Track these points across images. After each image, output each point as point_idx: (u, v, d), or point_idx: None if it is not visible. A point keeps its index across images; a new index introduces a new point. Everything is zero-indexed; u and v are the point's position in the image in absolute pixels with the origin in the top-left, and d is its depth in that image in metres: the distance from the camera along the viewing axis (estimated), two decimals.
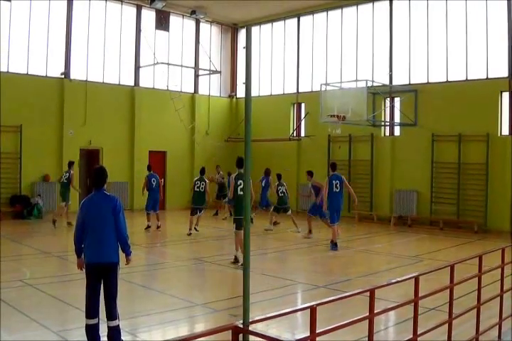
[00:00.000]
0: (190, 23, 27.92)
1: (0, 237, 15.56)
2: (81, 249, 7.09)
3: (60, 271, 12.60)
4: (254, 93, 26.15)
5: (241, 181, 12.97)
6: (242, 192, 12.90)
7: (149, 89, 26.16)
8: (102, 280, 6.85)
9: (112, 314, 6.79)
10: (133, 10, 25.61)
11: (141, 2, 25.26)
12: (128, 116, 25.26)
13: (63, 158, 22.80)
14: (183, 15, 27.24)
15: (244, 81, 4.40)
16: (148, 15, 26.14)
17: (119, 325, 6.82)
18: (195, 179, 18.70)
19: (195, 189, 18.21)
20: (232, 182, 13.19)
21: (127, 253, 7.14)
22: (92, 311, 6.74)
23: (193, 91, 28.06)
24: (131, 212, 23.93)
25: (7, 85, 20.77)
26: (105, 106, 24.31)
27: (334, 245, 15.63)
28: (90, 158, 24.35)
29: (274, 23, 27.98)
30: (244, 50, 4.87)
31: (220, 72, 28.39)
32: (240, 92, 29.59)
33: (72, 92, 23.24)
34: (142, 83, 26.03)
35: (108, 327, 6.80)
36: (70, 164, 19.32)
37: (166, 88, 26.30)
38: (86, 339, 6.73)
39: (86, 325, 6.73)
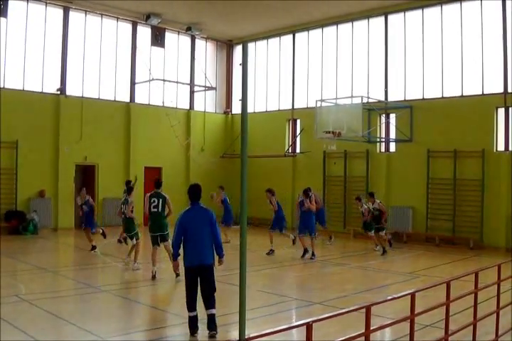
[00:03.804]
0: (186, 40, 28.05)
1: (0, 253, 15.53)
2: (177, 254, 8.59)
3: (56, 287, 12.54)
4: (249, 109, 26.06)
5: (155, 199, 13.35)
6: (155, 210, 13.33)
7: (145, 106, 26.22)
8: (199, 279, 8.38)
9: (211, 304, 8.35)
10: (128, 26, 25.72)
11: (137, 18, 25.37)
12: (123, 132, 25.27)
13: (59, 173, 22.90)
14: (178, 32, 27.38)
15: (241, 97, 4.43)
16: (144, 32, 26.26)
17: (215, 313, 8.34)
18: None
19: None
20: (145, 199, 13.53)
21: (222, 255, 8.63)
22: (193, 305, 8.38)
23: (188, 107, 28.13)
24: None
25: (3, 101, 20.82)
26: (101, 122, 24.32)
27: (305, 252, 16.78)
28: (86, 174, 24.35)
29: (270, 40, 28.13)
30: (241, 66, 4.91)
31: (215, 89, 28.47)
32: (235, 108, 29.66)
33: (67, 108, 23.28)
34: (138, 99, 26.09)
35: (208, 314, 8.31)
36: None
37: (161, 104, 26.35)
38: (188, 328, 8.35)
39: (189, 316, 8.35)
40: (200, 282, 8.41)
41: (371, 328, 5.34)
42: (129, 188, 15.51)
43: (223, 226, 19.53)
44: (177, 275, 12.24)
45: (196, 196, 8.69)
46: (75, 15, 23.82)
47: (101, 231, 18.10)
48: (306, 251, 16.81)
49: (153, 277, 12.91)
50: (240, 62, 28.22)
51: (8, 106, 21.20)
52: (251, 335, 4.24)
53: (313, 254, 16.81)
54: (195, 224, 8.41)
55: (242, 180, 4.58)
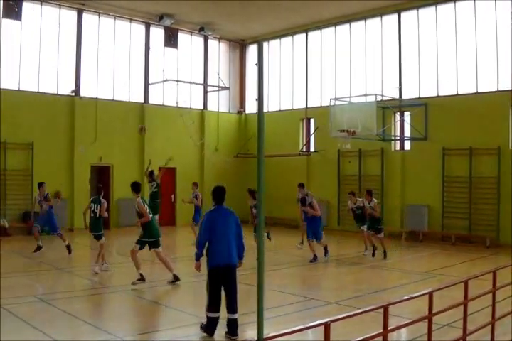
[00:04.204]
0: (199, 40, 28.08)
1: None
2: (201, 254, 8.63)
3: (72, 287, 12.60)
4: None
5: (146, 205, 12.72)
6: (151, 215, 12.68)
7: (158, 106, 26.29)
8: (222, 280, 8.37)
9: (234, 308, 8.37)
10: (142, 27, 25.82)
11: (150, 20, 25.45)
12: (137, 133, 25.31)
13: (74, 174, 23.05)
14: (191, 32, 27.42)
15: (257, 96, 4.42)
16: (157, 33, 26.35)
17: (237, 318, 8.34)
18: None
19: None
20: (141, 204, 12.53)
21: (242, 257, 8.74)
22: (216, 306, 8.36)
23: (202, 107, 28.16)
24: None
25: (18, 103, 21.11)
26: (115, 123, 24.44)
27: (315, 258, 16.15)
28: (101, 174, 24.45)
29: (282, 39, 28.10)
30: (255, 66, 4.89)
31: (228, 89, 28.46)
32: (249, 108, 29.66)
33: (82, 110, 23.42)
34: (151, 100, 26.17)
35: (230, 319, 8.32)
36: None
37: (175, 105, 26.40)
38: (207, 329, 8.38)
39: (210, 317, 8.33)
40: (224, 283, 8.44)
41: (389, 328, 5.32)
42: (98, 188, 15.30)
43: (195, 224, 18.87)
44: (176, 278, 12.50)
45: (221, 198, 8.76)
46: (88, 17, 23.95)
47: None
48: (315, 257, 16.24)
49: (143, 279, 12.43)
50: (254, 61, 28.33)
51: (24, 108, 21.45)
52: (269, 335, 4.23)
53: (326, 252, 16.71)
54: (222, 225, 8.52)
55: (259, 180, 4.58)
